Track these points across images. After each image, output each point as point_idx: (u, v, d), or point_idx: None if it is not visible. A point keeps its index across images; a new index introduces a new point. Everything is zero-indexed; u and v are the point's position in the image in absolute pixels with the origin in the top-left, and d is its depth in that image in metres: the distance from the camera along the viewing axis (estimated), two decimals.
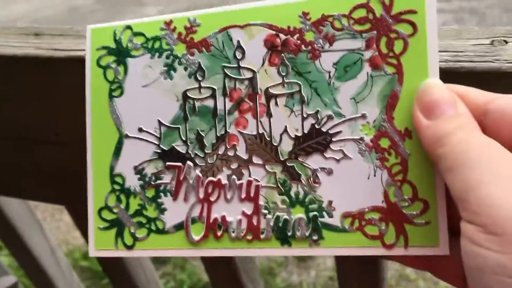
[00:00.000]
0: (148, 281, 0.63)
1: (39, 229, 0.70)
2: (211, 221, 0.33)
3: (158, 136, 0.34)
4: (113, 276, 0.64)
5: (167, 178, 0.34)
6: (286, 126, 0.32)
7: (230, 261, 0.55)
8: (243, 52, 0.33)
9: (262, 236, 0.32)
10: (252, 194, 0.32)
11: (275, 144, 0.32)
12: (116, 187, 0.35)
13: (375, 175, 0.30)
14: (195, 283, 1.34)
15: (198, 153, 0.33)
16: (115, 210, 0.35)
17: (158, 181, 0.34)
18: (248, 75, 0.32)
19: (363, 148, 0.31)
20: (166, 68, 0.34)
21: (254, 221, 0.32)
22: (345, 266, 0.48)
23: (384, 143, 0.30)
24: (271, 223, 0.32)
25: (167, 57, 0.34)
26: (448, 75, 0.31)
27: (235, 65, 0.33)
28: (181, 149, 0.34)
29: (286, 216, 0.32)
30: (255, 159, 0.32)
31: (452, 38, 0.34)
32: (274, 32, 0.32)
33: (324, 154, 0.31)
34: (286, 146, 0.32)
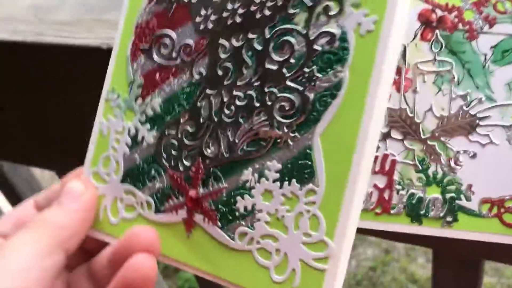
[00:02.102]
0: None
1: None
2: None
3: None
4: None
5: None
6: (431, 104, 0.31)
7: None
8: None
9: (392, 211, 0.32)
10: (386, 168, 0.32)
11: (417, 120, 0.31)
12: None
13: None
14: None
15: None
16: None
17: None
18: None
19: None
20: None
21: (386, 195, 0.32)
22: (442, 271, 0.48)
23: None
24: (404, 200, 0.32)
25: None
26: None
27: None
28: None
29: (420, 194, 0.31)
30: (394, 134, 0.32)
31: None
32: (430, 7, 0.31)
33: (469, 137, 0.31)
34: (430, 124, 0.31)
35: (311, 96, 0.24)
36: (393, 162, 0.32)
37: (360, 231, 0.23)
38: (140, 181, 0.29)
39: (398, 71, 0.32)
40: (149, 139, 0.29)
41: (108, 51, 0.35)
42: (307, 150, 0.24)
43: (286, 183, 0.25)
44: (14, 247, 0.25)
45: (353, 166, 0.23)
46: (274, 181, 0.25)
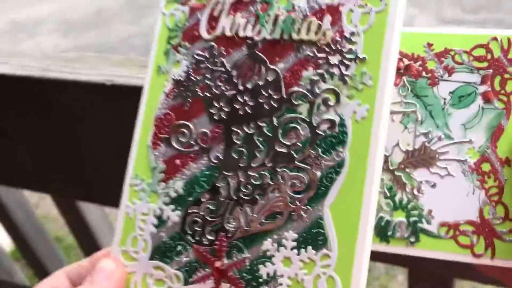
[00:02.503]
0: None
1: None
2: None
3: None
4: None
5: None
6: (398, 140, 0.36)
7: None
8: None
9: None
10: None
11: (386, 154, 0.36)
12: None
13: (473, 193, 0.35)
14: None
15: None
16: None
17: None
18: None
19: (466, 169, 0.35)
20: None
21: None
22: None
23: (486, 167, 0.35)
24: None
25: None
26: None
27: None
28: None
29: (388, 218, 0.36)
30: None
31: None
32: (399, 57, 0.36)
33: (430, 169, 0.36)
34: (397, 157, 0.36)
35: (318, 173, 0.29)
36: None
37: None
38: (168, 256, 0.32)
39: None
40: (174, 218, 0.32)
41: (110, 87, 0.38)
42: (319, 220, 0.28)
43: (302, 250, 0.29)
44: None
45: (360, 230, 0.27)
46: (292, 249, 0.29)
